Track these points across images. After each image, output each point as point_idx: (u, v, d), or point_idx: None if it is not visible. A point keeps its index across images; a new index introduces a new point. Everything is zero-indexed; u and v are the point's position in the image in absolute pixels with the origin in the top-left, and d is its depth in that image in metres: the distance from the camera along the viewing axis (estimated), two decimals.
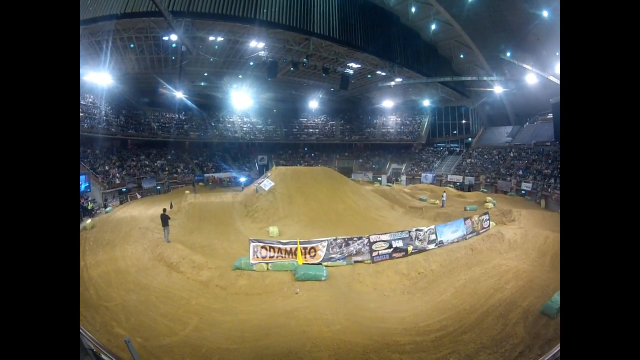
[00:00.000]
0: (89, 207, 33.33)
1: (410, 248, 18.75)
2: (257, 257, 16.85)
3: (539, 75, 43.35)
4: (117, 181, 43.89)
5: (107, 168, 44.78)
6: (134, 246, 21.21)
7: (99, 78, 43.08)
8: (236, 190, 43.96)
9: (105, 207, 36.50)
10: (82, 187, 35.25)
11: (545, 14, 36.03)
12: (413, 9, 44.45)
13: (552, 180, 40.34)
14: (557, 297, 12.27)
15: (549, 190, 39.34)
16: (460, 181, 55.52)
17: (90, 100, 49.20)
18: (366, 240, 18.10)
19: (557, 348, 6.89)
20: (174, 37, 35.02)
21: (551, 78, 41.73)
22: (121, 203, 40.17)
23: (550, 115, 50.87)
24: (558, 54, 39.56)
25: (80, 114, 44.92)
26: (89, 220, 28.11)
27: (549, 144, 48.97)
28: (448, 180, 57.34)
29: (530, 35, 40.72)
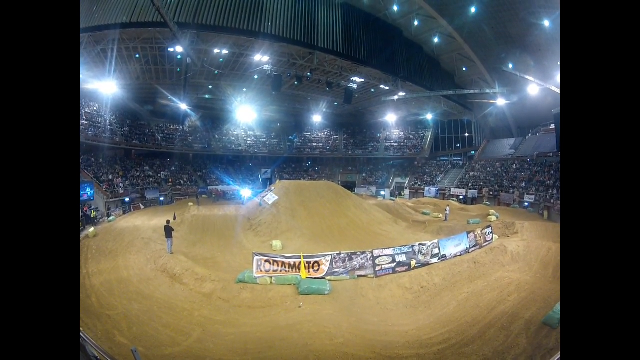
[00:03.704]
0: (92, 216, 33.43)
1: (413, 262, 18.71)
2: (261, 271, 16.84)
3: (541, 86, 43.48)
4: (121, 191, 44.06)
5: (110, 177, 44.96)
6: (137, 256, 21.21)
7: (103, 87, 43.31)
8: (239, 204, 43.77)
9: (109, 216, 36.64)
10: (88, 195, 35.37)
11: (546, 23, 36.23)
12: (416, 23, 44.74)
13: (555, 192, 40.35)
14: (559, 307, 12.25)
15: (552, 201, 39.31)
16: (464, 194, 55.49)
17: (95, 108, 49.57)
18: (369, 255, 18.06)
19: (556, 357, 6.89)
20: (179, 48, 35.25)
21: (553, 88, 41.86)
22: (124, 213, 40.28)
23: (553, 126, 50.95)
24: (559, 64, 39.72)
25: (85, 122, 45.31)
26: (92, 229, 28.15)
27: (551, 155, 49.01)
28: (451, 193, 57.39)
29: (531, 46, 41.02)
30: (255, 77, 47.33)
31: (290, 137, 27.20)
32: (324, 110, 66.86)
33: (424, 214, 42.08)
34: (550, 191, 41.32)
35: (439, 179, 63.21)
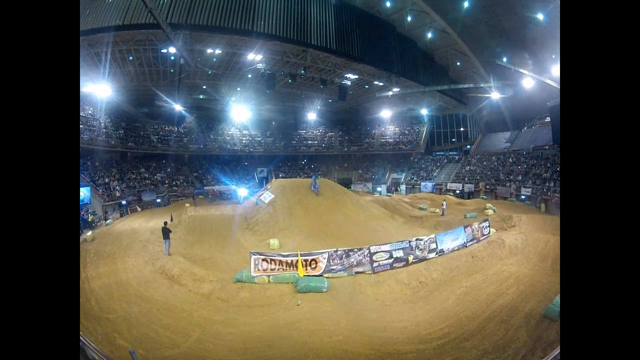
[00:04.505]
0: (90, 219, 33.38)
1: (410, 258, 18.71)
2: (258, 270, 16.83)
3: (536, 79, 43.55)
4: (117, 194, 44.04)
5: (107, 180, 44.91)
6: (135, 259, 21.21)
7: (98, 90, 43.30)
8: (235, 203, 43.63)
9: (106, 219, 36.61)
10: (85, 199, 35.37)
11: (540, 17, 36.21)
12: (409, 18, 44.76)
13: (552, 184, 40.45)
14: (558, 300, 12.29)
15: (549, 193, 39.46)
16: (460, 189, 55.56)
17: (90, 112, 49.44)
18: (367, 251, 18.07)
19: (558, 350, 6.90)
20: (172, 49, 35.11)
21: (548, 81, 41.93)
22: (121, 216, 40.14)
23: (548, 119, 51.18)
24: (554, 56, 39.85)
25: (80, 126, 45.03)
26: (89, 233, 28.13)
27: (547, 147, 49.17)
28: (448, 188, 57.39)
29: (526, 39, 41.01)
30: (249, 76, 47.24)
31: (314, 180, 26.62)
32: (319, 107, 66.74)
33: (420, 209, 42.13)
34: (547, 184, 41.43)
35: (435, 174, 63.16)
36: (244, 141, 70.80)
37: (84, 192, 36.63)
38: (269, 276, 16.75)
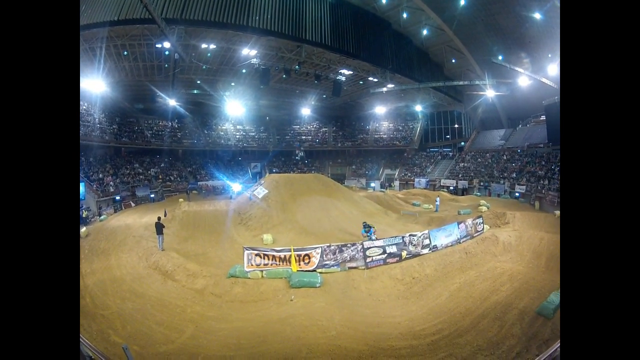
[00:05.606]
0: (84, 215, 33.22)
1: (404, 253, 18.73)
2: (252, 265, 16.82)
3: (531, 77, 43.61)
4: (111, 189, 43.84)
5: (101, 176, 44.72)
6: (129, 254, 21.09)
7: (92, 85, 42.96)
8: (227, 198, 43.56)
9: (100, 215, 36.43)
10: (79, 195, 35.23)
11: (537, 16, 36.24)
12: (404, 15, 44.71)
13: (546, 182, 40.56)
14: (552, 297, 12.35)
15: (543, 191, 39.54)
16: (454, 185, 55.71)
17: (84, 107, 49.02)
18: (360, 247, 18.07)
19: (553, 348, 6.93)
20: (167, 44, 35.07)
21: (544, 80, 41.98)
22: (115, 211, 39.94)
23: (543, 117, 51.20)
24: (550, 55, 39.89)
25: None
26: (83, 229, 27.99)
27: (542, 145, 49.34)
28: (441, 184, 57.60)
29: (522, 37, 41.05)
30: (244, 71, 47.21)
31: (369, 233, 24.84)
32: (313, 103, 66.88)
33: (414, 205, 42.22)
34: (542, 182, 41.54)
35: (429, 170, 63.41)
36: (237, 136, 70.74)
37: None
38: (262, 271, 16.75)
